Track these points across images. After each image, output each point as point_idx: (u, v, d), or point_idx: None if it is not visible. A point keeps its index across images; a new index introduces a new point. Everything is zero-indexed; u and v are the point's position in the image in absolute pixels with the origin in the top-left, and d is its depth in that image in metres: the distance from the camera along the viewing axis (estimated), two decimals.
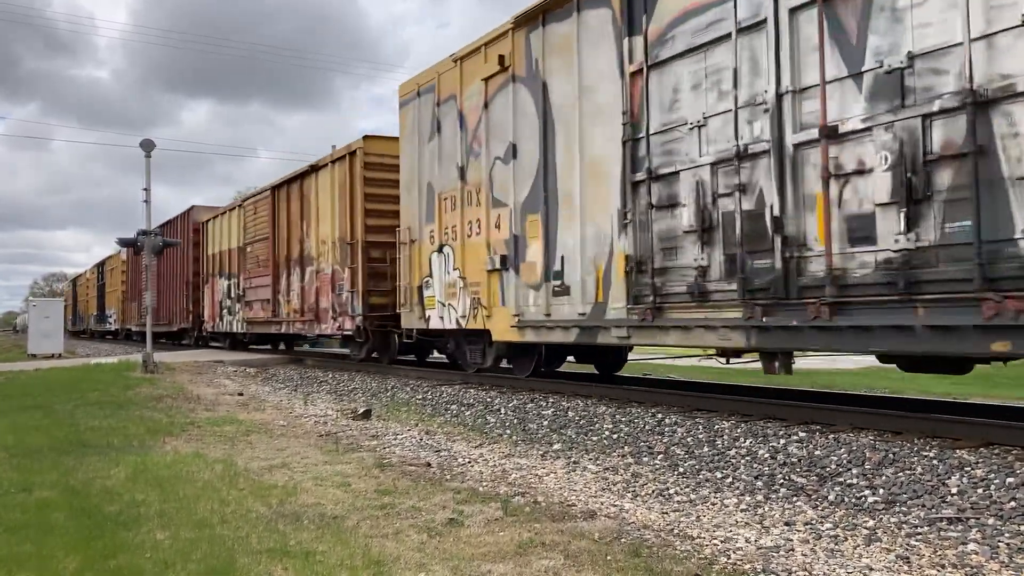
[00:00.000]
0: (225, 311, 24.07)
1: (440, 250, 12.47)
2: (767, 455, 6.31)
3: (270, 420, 9.58)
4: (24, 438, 7.90)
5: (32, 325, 27.50)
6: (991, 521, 4.54)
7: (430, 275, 12.76)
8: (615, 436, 7.64)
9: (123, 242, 19.38)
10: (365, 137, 15.68)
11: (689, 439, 7.12)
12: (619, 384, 10.78)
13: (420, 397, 11.31)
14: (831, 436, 6.49)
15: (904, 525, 4.65)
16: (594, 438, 7.71)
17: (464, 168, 11.80)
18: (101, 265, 47.17)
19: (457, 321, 11.96)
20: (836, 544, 4.38)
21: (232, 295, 23.31)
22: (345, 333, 15.99)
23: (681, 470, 6.36)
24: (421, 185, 13.03)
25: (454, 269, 12.03)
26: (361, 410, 9.93)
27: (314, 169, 17.55)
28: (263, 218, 20.56)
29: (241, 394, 12.76)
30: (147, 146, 17.29)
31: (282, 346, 24.92)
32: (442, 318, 12.38)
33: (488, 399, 10.32)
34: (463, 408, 10.04)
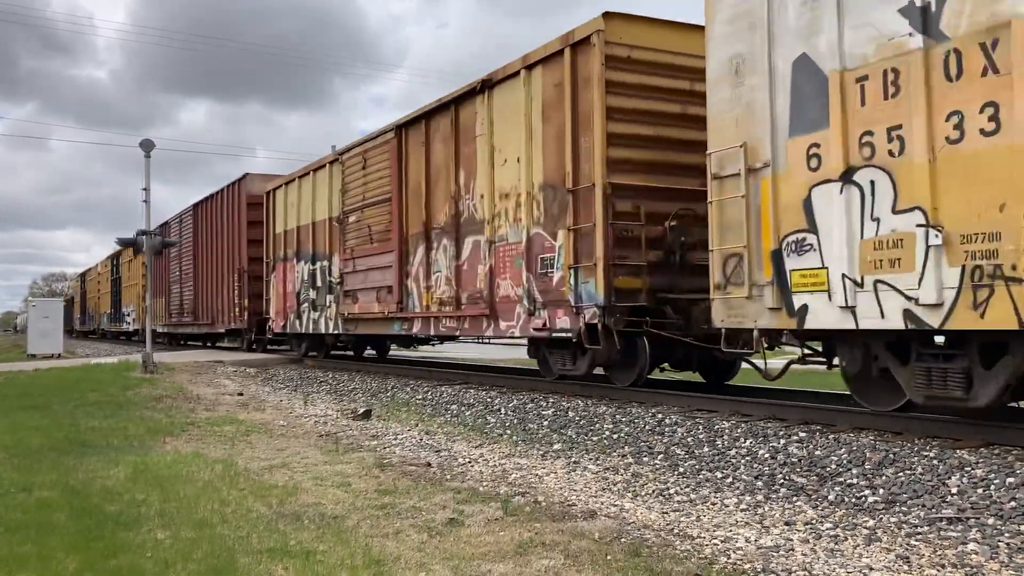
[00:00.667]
0: (305, 306, 17.72)
1: (846, 179, 6.60)
2: (767, 455, 6.31)
3: (270, 420, 9.59)
4: (24, 438, 7.91)
5: (31, 325, 27.53)
6: (991, 521, 4.54)
7: (810, 228, 6.90)
8: (615, 436, 7.65)
9: (122, 242, 19.37)
10: (606, 15, 9.35)
11: (689, 439, 7.13)
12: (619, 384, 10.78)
13: (420, 397, 11.32)
14: (831, 436, 6.49)
15: (904, 525, 4.65)
16: (594, 438, 7.71)
17: (933, 8, 6.02)
18: (116, 257, 40.64)
19: (908, 314, 6.12)
20: (836, 544, 4.39)
21: (320, 283, 16.90)
22: (558, 335, 9.90)
23: (681, 470, 6.36)
24: (775, 67, 7.21)
25: (898, 211, 6.25)
26: (361, 410, 9.94)
27: (487, 86, 11.25)
28: (379, 173, 14.26)
29: (241, 394, 12.76)
30: (147, 146, 17.29)
31: (362, 351, 19.25)
32: (851, 308, 6.52)
33: (488, 399, 10.32)
34: (463, 408, 10.05)
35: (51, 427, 8.73)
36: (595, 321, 9.12)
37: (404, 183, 13.57)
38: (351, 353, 19.08)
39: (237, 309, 22.06)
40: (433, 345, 17.22)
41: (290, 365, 18.63)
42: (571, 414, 8.76)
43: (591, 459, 6.91)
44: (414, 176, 13.28)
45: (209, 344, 28.72)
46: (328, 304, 16.41)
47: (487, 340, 13.20)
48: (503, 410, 9.55)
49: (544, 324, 10.10)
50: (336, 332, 16.52)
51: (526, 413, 9.19)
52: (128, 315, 38.23)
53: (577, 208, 9.55)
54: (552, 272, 10.00)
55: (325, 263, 16.61)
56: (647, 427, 7.74)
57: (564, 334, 9.81)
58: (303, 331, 18.05)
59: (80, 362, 20.60)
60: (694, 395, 8.94)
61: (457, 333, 12.35)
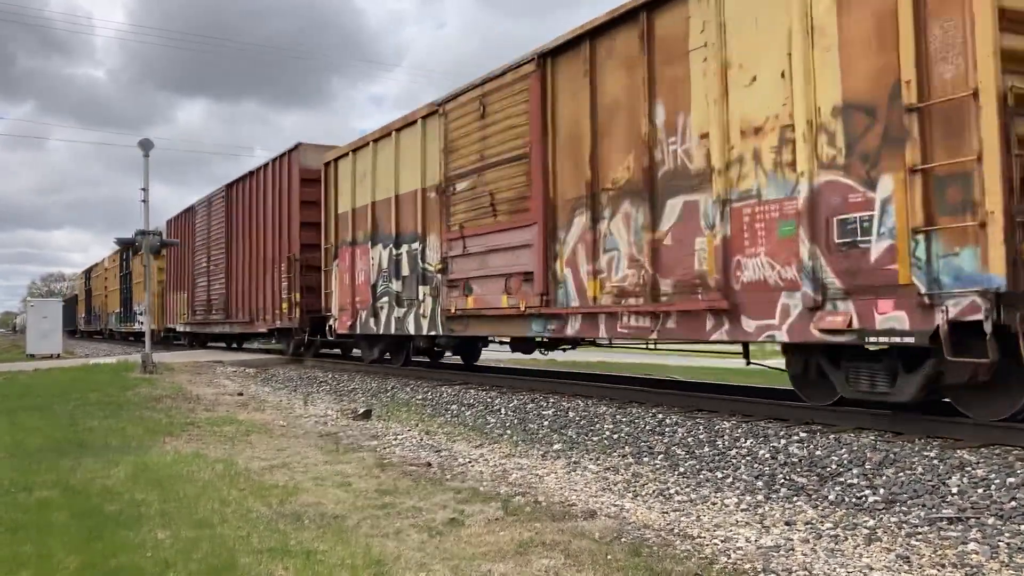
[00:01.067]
0: (384, 300, 13.97)
1: None
2: (768, 455, 6.31)
3: (270, 420, 9.59)
4: (23, 438, 7.91)
5: (30, 326, 27.54)
6: (991, 521, 4.54)
7: None
8: (616, 436, 7.65)
9: (121, 242, 19.39)
10: None
11: (690, 439, 7.13)
12: (620, 384, 10.78)
13: (420, 397, 11.31)
14: (832, 436, 6.49)
15: (904, 525, 4.65)
16: (595, 438, 7.71)
17: None
18: (125, 251, 36.78)
19: None
20: (836, 544, 4.39)
21: (407, 272, 13.26)
22: (880, 339, 6.40)
23: (682, 470, 6.36)
24: None
25: None
26: (361, 410, 9.94)
27: None
28: (509, 121, 10.61)
29: (241, 394, 12.76)
30: (145, 146, 17.29)
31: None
32: None
33: (488, 399, 10.32)
34: (463, 408, 10.05)
35: (51, 427, 8.72)
36: (976, 316, 5.67)
37: (551, 132, 9.95)
38: (427, 360, 15.70)
39: (285, 305, 18.31)
40: (564, 351, 12.43)
41: (290, 365, 18.62)
42: (571, 414, 8.76)
43: (591, 459, 6.91)
44: (568, 121, 9.68)
45: (235, 346, 25.92)
46: (421, 298, 12.77)
47: (702, 347, 9.22)
48: (503, 410, 9.55)
49: (848, 323, 6.55)
50: (433, 333, 12.60)
51: (526, 413, 9.19)
52: (140, 314, 33.64)
53: (927, 135, 6.07)
54: (867, 241, 6.45)
55: (416, 246, 12.98)
56: (647, 427, 7.74)
57: (895, 338, 6.26)
58: (380, 331, 14.15)
59: (79, 362, 20.60)
60: (695, 395, 8.93)
61: (652, 335, 8.48)
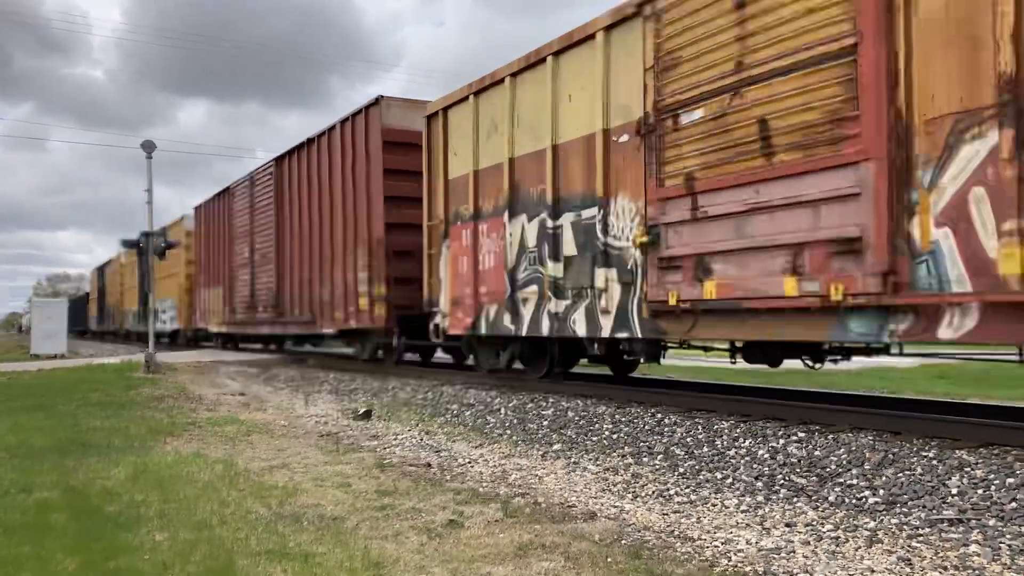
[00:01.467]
0: (530, 290, 10.26)
1: None
2: (767, 455, 6.30)
3: (271, 420, 9.59)
4: (25, 438, 7.92)
5: (35, 325, 27.60)
6: (992, 522, 4.53)
7: None
8: (615, 436, 7.64)
9: (126, 243, 19.41)
10: None
11: (689, 439, 7.12)
12: (619, 384, 10.76)
13: (420, 397, 11.31)
14: (831, 436, 6.48)
15: (905, 526, 4.64)
16: (594, 438, 7.71)
17: None
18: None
19: None
20: (837, 546, 4.38)
21: (576, 250, 9.42)
22: None
23: (681, 470, 6.35)
24: None
25: None
26: (362, 410, 9.94)
27: None
28: (803, 4, 6.48)
29: (242, 394, 12.77)
30: (148, 147, 17.33)
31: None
32: None
33: (488, 399, 10.31)
34: (463, 408, 10.04)
35: (53, 427, 8.74)
36: None
37: (902, 5, 5.86)
38: (558, 369, 11.17)
39: (363, 300, 14.52)
40: (835, 362, 7.99)
41: (291, 365, 18.63)
42: (571, 414, 8.75)
43: (591, 459, 6.90)
44: None
45: (273, 348, 22.50)
46: (600, 285, 9.03)
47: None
48: (503, 410, 9.54)
49: None
50: (623, 335, 8.74)
51: (526, 413, 9.18)
52: (164, 312, 30.22)
53: None
54: None
55: (591, 213, 9.17)
56: (646, 427, 7.73)
57: None
58: (523, 332, 10.42)
59: (83, 362, 20.63)
60: (693, 395, 8.92)
61: None
